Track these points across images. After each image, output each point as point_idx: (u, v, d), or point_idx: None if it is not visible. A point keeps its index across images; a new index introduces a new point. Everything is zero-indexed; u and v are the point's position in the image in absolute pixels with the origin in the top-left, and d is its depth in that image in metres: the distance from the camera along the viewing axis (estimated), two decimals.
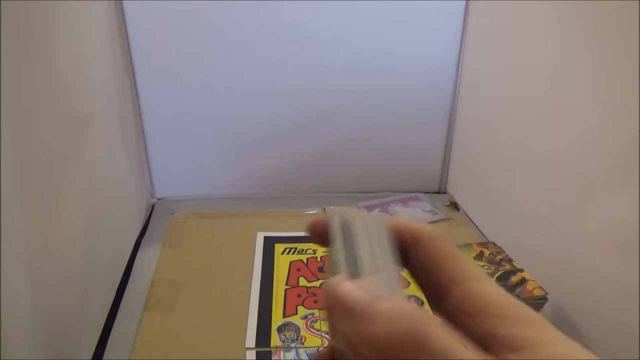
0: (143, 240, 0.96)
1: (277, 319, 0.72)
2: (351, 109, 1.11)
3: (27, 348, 0.50)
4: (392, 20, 1.03)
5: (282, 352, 0.66)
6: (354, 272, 0.21)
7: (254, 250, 0.88)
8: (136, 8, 0.94)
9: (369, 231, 0.24)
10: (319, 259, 0.86)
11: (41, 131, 0.56)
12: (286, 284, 0.79)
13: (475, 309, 0.21)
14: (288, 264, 0.85)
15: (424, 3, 1.02)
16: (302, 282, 0.80)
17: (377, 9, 1.01)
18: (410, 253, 0.24)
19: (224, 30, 1.00)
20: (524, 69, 0.85)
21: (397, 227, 0.24)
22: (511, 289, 0.71)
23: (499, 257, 0.79)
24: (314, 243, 0.26)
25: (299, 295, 0.77)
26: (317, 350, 0.66)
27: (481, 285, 0.22)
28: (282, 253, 0.88)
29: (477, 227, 1.02)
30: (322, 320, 0.72)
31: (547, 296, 0.71)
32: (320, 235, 0.25)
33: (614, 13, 0.62)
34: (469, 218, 1.06)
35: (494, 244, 0.83)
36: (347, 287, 0.20)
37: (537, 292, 0.71)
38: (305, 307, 0.74)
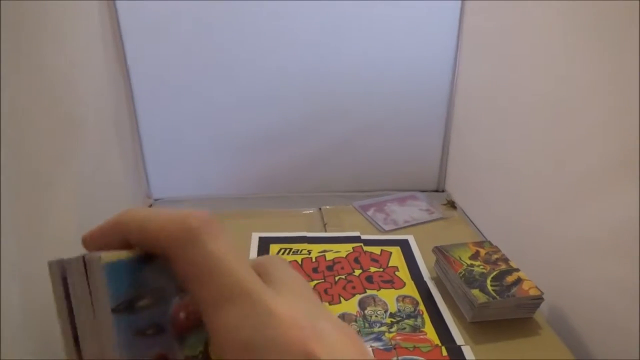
0: None
1: None
2: (348, 109, 1.10)
3: (18, 349, 0.50)
4: (388, 21, 1.02)
5: None
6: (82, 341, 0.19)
7: (249, 251, 0.88)
8: (130, 8, 0.94)
9: (90, 279, 0.19)
10: (314, 260, 0.86)
11: (32, 133, 0.56)
12: None
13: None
14: None
15: (419, 4, 1.01)
16: None
17: (373, 10, 1.00)
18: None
19: (220, 31, 0.99)
20: (521, 68, 0.84)
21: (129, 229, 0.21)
22: (507, 288, 0.71)
23: (495, 256, 0.78)
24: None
25: None
26: None
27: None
28: (277, 254, 0.87)
29: (475, 225, 1.02)
30: None
31: (543, 296, 0.70)
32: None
33: (612, 12, 0.62)
34: (467, 216, 1.05)
35: (490, 243, 0.82)
36: None
37: (533, 292, 0.70)
38: None
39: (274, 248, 0.89)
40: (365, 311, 0.74)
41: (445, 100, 1.12)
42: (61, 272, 0.20)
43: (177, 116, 1.07)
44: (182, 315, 0.22)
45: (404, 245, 0.91)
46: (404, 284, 0.80)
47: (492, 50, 0.95)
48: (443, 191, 1.20)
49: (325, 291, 0.78)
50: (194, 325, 0.22)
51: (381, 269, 0.84)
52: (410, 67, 1.07)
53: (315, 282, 0.80)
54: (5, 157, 0.49)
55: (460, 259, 0.77)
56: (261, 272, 0.22)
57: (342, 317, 0.72)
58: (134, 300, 0.20)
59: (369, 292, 0.78)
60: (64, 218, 0.63)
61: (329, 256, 0.86)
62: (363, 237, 0.93)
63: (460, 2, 1.01)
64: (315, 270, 0.83)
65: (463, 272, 0.74)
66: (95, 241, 0.22)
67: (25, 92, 0.55)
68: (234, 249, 0.21)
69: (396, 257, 0.87)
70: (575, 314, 0.72)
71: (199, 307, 0.20)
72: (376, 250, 0.89)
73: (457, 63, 1.07)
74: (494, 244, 0.82)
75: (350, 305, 0.75)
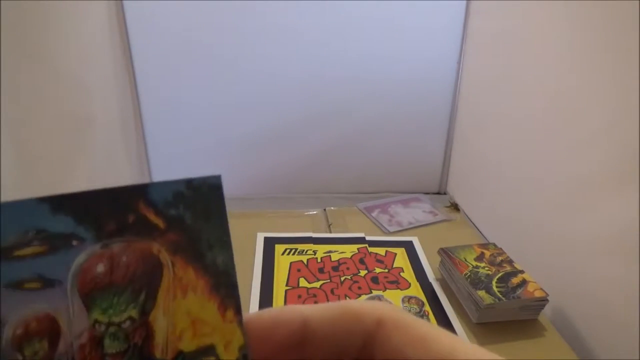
0: None
1: None
2: (352, 109, 1.11)
3: None
4: (393, 22, 1.03)
5: None
6: None
7: (254, 250, 0.88)
8: (136, 8, 0.94)
9: None
10: (319, 260, 0.86)
11: (41, 131, 0.56)
12: (286, 285, 0.79)
13: None
14: (288, 264, 0.84)
15: (424, 4, 1.02)
16: (303, 283, 0.80)
17: (378, 10, 1.01)
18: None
19: (224, 31, 1.00)
20: (525, 70, 0.85)
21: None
22: (512, 290, 0.71)
23: (500, 258, 0.78)
24: None
25: (299, 296, 0.77)
26: None
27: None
28: (283, 254, 0.87)
29: (477, 228, 1.02)
30: None
31: (548, 298, 0.70)
32: None
33: (614, 15, 0.62)
34: (470, 219, 1.06)
35: (494, 245, 0.82)
36: None
37: (538, 294, 0.70)
38: None
39: (279, 248, 0.89)
40: None
41: (449, 103, 1.13)
42: None
43: (181, 116, 1.07)
44: (100, 268, 0.18)
45: (409, 247, 0.91)
46: (409, 285, 0.80)
47: (497, 52, 0.95)
48: (445, 193, 1.21)
49: (332, 291, 0.78)
50: (121, 282, 0.18)
51: (386, 270, 0.84)
52: (415, 69, 1.08)
53: (322, 282, 0.80)
54: (15, 156, 0.49)
55: (465, 260, 0.77)
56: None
57: None
58: (13, 247, 0.17)
59: (374, 292, 0.78)
60: None
61: (335, 257, 0.87)
62: (368, 238, 0.93)
63: (465, 3, 1.02)
64: (321, 270, 0.83)
65: (468, 274, 0.74)
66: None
67: (34, 91, 0.55)
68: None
69: (401, 258, 0.88)
70: (577, 315, 0.72)
71: None
72: (381, 251, 0.89)
73: (461, 65, 1.08)
74: (497, 246, 0.82)
75: None
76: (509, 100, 0.90)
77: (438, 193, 1.22)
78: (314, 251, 0.88)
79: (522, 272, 0.75)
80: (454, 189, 1.18)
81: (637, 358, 0.59)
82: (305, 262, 0.85)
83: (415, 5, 1.01)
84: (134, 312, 0.18)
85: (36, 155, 0.55)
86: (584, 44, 0.69)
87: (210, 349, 0.19)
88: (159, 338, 0.18)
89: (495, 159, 0.97)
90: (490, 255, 0.79)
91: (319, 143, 1.14)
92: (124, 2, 0.92)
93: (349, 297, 0.77)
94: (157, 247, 0.18)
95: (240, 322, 0.19)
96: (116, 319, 0.18)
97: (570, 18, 0.72)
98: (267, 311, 0.19)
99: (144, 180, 1.10)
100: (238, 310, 0.19)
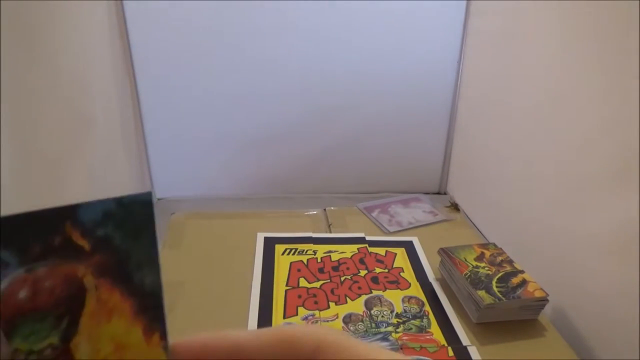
0: None
1: (277, 320, 0.71)
2: (351, 109, 1.11)
3: None
4: (393, 21, 1.03)
5: None
6: None
7: (254, 250, 0.88)
8: (136, 8, 0.94)
9: None
10: (319, 260, 0.86)
11: (42, 131, 0.56)
12: (286, 285, 0.79)
13: None
14: (288, 264, 0.84)
15: (424, 3, 1.02)
16: (303, 283, 0.80)
17: (378, 9, 1.01)
18: None
19: (224, 31, 1.00)
20: (525, 70, 0.85)
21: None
22: (512, 290, 0.71)
23: (500, 258, 0.78)
24: None
25: (299, 296, 0.77)
26: None
27: None
28: (283, 254, 0.87)
29: (477, 228, 1.02)
30: (323, 321, 0.72)
31: (548, 298, 0.70)
32: None
33: (614, 14, 0.62)
34: (469, 219, 1.06)
35: (494, 245, 0.82)
36: None
37: (538, 294, 0.70)
38: (305, 308, 0.74)
39: (279, 248, 0.89)
40: (372, 311, 0.74)
41: (449, 102, 1.13)
42: None
43: (181, 116, 1.07)
44: (23, 294, 0.17)
45: (409, 247, 0.91)
46: (410, 285, 0.80)
47: (497, 51, 0.95)
48: (445, 193, 1.21)
49: (332, 291, 0.78)
50: (43, 308, 0.17)
51: (386, 270, 0.84)
52: (415, 68, 1.08)
53: (322, 282, 0.80)
54: (16, 156, 0.49)
55: (465, 260, 0.77)
56: None
57: (349, 317, 0.73)
58: None
59: (374, 292, 0.78)
60: None
61: (335, 257, 0.87)
62: (368, 238, 0.93)
63: (465, 2, 1.02)
64: (321, 270, 0.83)
65: (469, 274, 0.74)
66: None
67: (35, 91, 0.55)
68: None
69: (401, 258, 0.88)
70: (577, 315, 0.72)
71: None
72: (381, 251, 0.89)
73: (461, 65, 1.08)
74: (497, 246, 0.82)
75: (356, 306, 0.75)
76: (509, 100, 0.90)
77: (438, 193, 1.22)
78: (314, 251, 0.88)
79: (522, 272, 0.75)
80: (454, 189, 1.18)
81: (637, 358, 0.59)
82: (305, 262, 0.85)
83: (415, 5, 1.01)
84: (55, 339, 0.17)
85: (36, 155, 0.55)
86: (584, 44, 0.69)
87: None
88: None
89: (496, 159, 0.97)
90: (490, 255, 0.79)
91: (318, 143, 1.14)
92: (124, 2, 0.92)
93: (349, 297, 0.77)
94: (82, 271, 0.17)
95: (165, 347, 0.18)
96: (36, 347, 0.17)
97: (571, 18, 0.72)
98: (198, 337, 0.19)
99: (144, 180, 1.10)
100: (164, 335, 0.19)
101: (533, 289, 0.71)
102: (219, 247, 0.90)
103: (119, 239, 0.18)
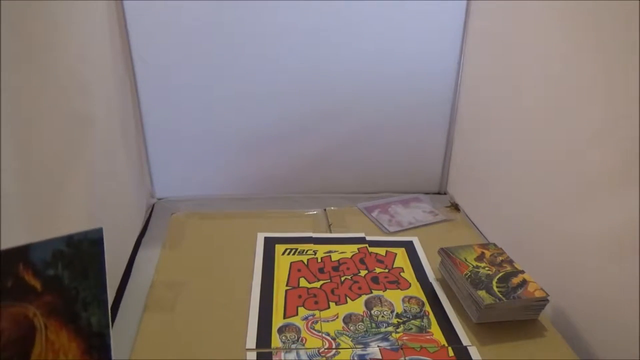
0: (143, 241, 0.95)
1: (277, 320, 0.71)
2: (352, 109, 1.11)
3: None
4: (393, 21, 1.02)
5: (282, 353, 0.65)
6: None
7: (255, 250, 0.88)
8: (136, 8, 0.94)
9: None
10: (319, 260, 0.86)
11: (41, 131, 0.56)
12: (287, 285, 0.79)
13: None
14: (288, 264, 0.84)
15: (425, 4, 1.01)
16: (303, 283, 0.80)
17: (378, 9, 1.01)
18: None
19: (224, 31, 1.00)
20: (525, 70, 0.84)
21: None
22: (512, 290, 0.71)
23: (500, 258, 0.78)
24: None
25: (299, 296, 0.77)
26: (318, 351, 0.66)
27: None
28: (283, 254, 0.87)
29: (477, 228, 1.02)
30: (323, 321, 0.72)
31: (548, 298, 0.70)
32: None
33: (614, 14, 0.62)
34: (470, 219, 1.06)
35: (495, 245, 0.83)
36: None
37: (538, 294, 0.70)
38: (305, 308, 0.74)
39: (279, 248, 0.89)
40: (372, 311, 0.74)
41: (449, 103, 1.12)
42: None
43: (181, 116, 1.07)
44: None
45: (409, 247, 0.92)
46: (410, 285, 0.80)
47: (497, 52, 0.95)
48: (445, 193, 1.21)
49: (332, 291, 0.78)
50: None
51: (386, 270, 0.84)
52: (415, 68, 1.07)
53: (322, 282, 0.80)
54: (16, 157, 0.49)
55: (465, 260, 0.77)
56: None
57: (349, 317, 0.73)
58: None
59: (375, 292, 0.78)
60: (74, 215, 0.63)
61: (335, 257, 0.87)
62: (368, 238, 0.93)
63: (465, 2, 1.02)
64: (321, 270, 0.83)
65: (469, 274, 0.74)
66: None
67: (34, 91, 0.55)
68: None
69: (401, 258, 0.88)
70: (578, 315, 0.72)
71: None
72: (381, 251, 0.89)
73: (461, 65, 1.08)
74: (498, 246, 0.82)
75: (357, 306, 0.75)
76: (509, 100, 0.90)
77: (438, 193, 1.21)
78: (314, 251, 0.88)
79: (522, 272, 0.75)
80: (454, 189, 1.18)
81: (637, 358, 0.59)
82: (305, 262, 0.85)
83: (415, 6, 1.01)
84: None
85: (36, 155, 0.54)
86: (584, 44, 0.69)
87: None
88: None
89: (496, 160, 0.97)
90: (490, 256, 0.79)
91: (319, 143, 1.14)
92: (124, 2, 0.92)
93: (349, 297, 0.77)
94: (32, 311, 0.17)
95: None
96: None
97: (571, 18, 0.72)
98: None
99: (144, 179, 1.10)
100: None
101: (533, 289, 0.71)
102: (219, 247, 0.90)
103: (67, 279, 0.18)
